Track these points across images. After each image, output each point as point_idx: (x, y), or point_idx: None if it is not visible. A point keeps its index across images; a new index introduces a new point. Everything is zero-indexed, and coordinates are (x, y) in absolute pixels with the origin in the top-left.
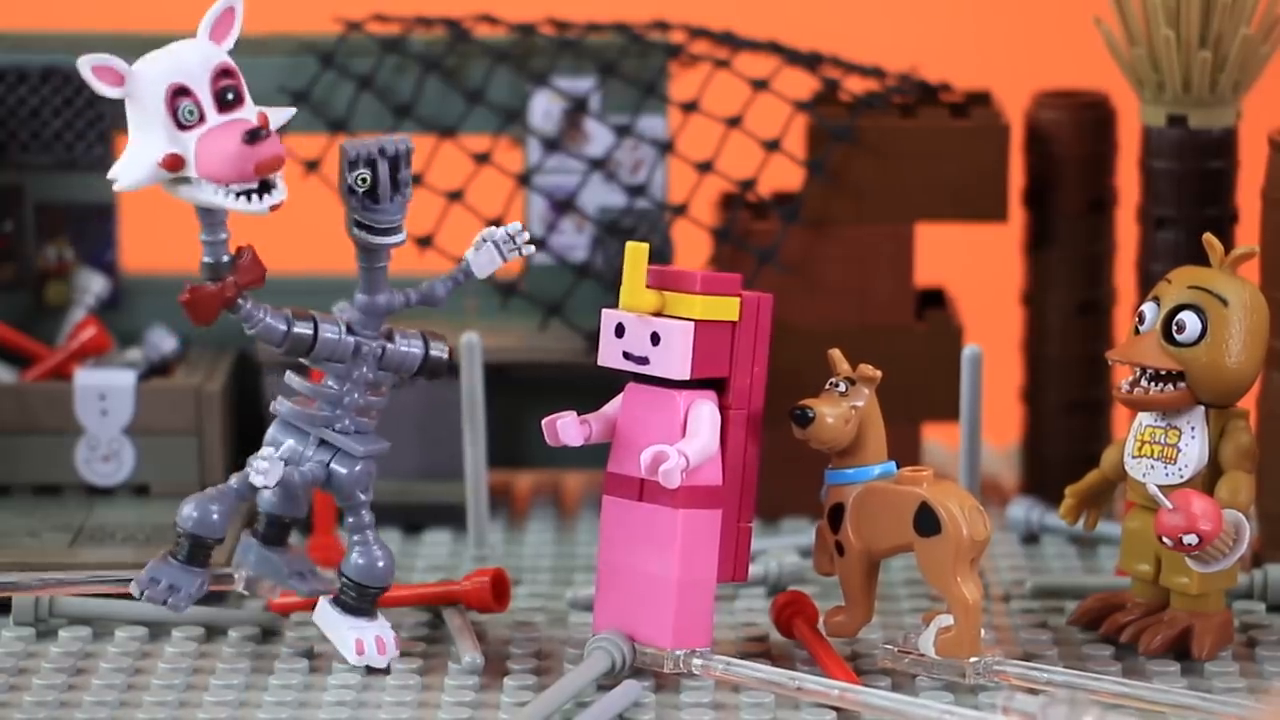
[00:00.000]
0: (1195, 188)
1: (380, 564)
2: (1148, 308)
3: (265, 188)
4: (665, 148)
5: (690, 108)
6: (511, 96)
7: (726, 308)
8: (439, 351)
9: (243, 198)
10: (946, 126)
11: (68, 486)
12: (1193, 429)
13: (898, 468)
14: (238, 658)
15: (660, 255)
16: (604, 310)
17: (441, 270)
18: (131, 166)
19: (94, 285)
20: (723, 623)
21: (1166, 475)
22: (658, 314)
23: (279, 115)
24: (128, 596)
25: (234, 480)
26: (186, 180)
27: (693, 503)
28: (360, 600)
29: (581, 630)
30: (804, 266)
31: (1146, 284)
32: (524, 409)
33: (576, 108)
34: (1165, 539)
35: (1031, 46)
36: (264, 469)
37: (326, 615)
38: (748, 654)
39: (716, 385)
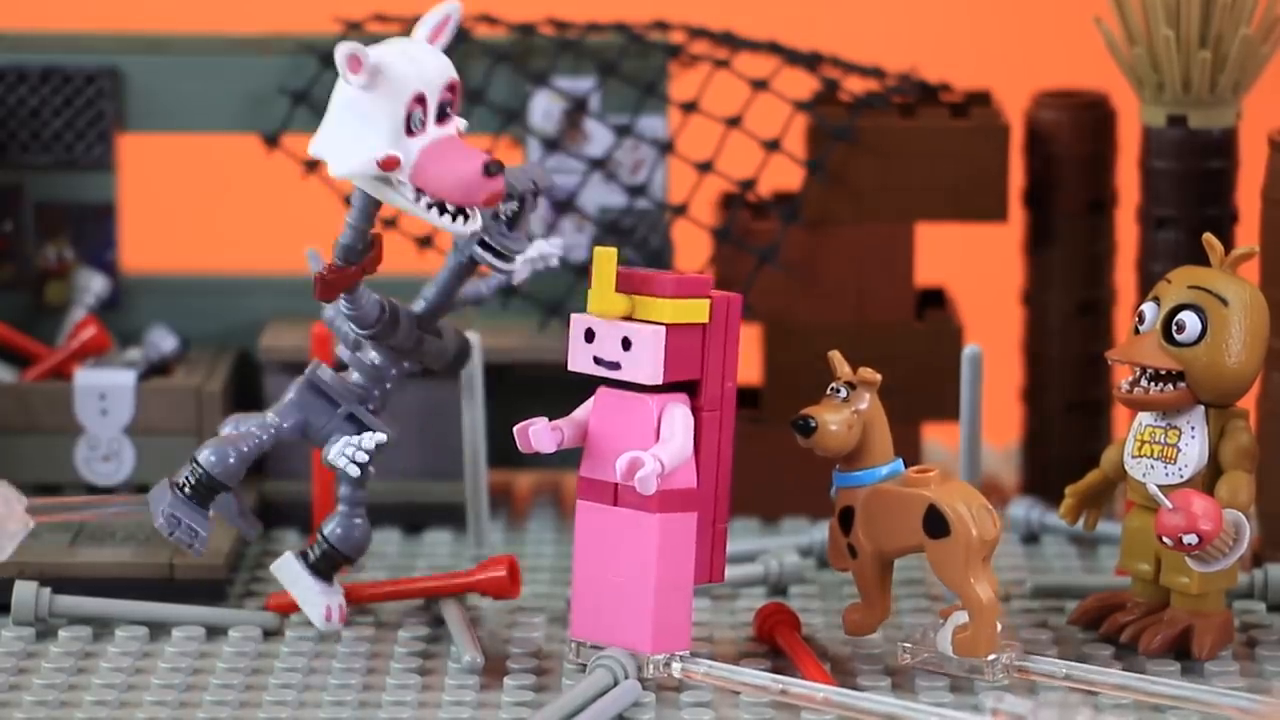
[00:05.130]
0: (1195, 188)
1: (356, 534)
2: (1148, 308)
3: (461, 210)
4: (665, 148)
5: (690, 108)
6: (511, 96)
7: (696, 310)
8: (463, 345)
9: (445, 215)
10: (946, 126)
11: (68, 486)
12: (1193, 429)
13: (905, 466)
14: (238, 658)
15: (660, 255)
16: (573, 315)
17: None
18: (349, 155)
19: (94, 285)
20: (722, 623)
21: (1166, 475)
22: (628, 318)
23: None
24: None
25: (260, 424)
26: (387, 181)
27: (669, 507)
28: (327, 565)
29: None
30: (804, 266)
31: (1146, 284)
32: (524, 409)
33: (576, 108)
34: (1165, 539)
35: (1031, 46)
36: (367, 449)
37: (291, 570)
38: (748, 654)
39: (688, 387)
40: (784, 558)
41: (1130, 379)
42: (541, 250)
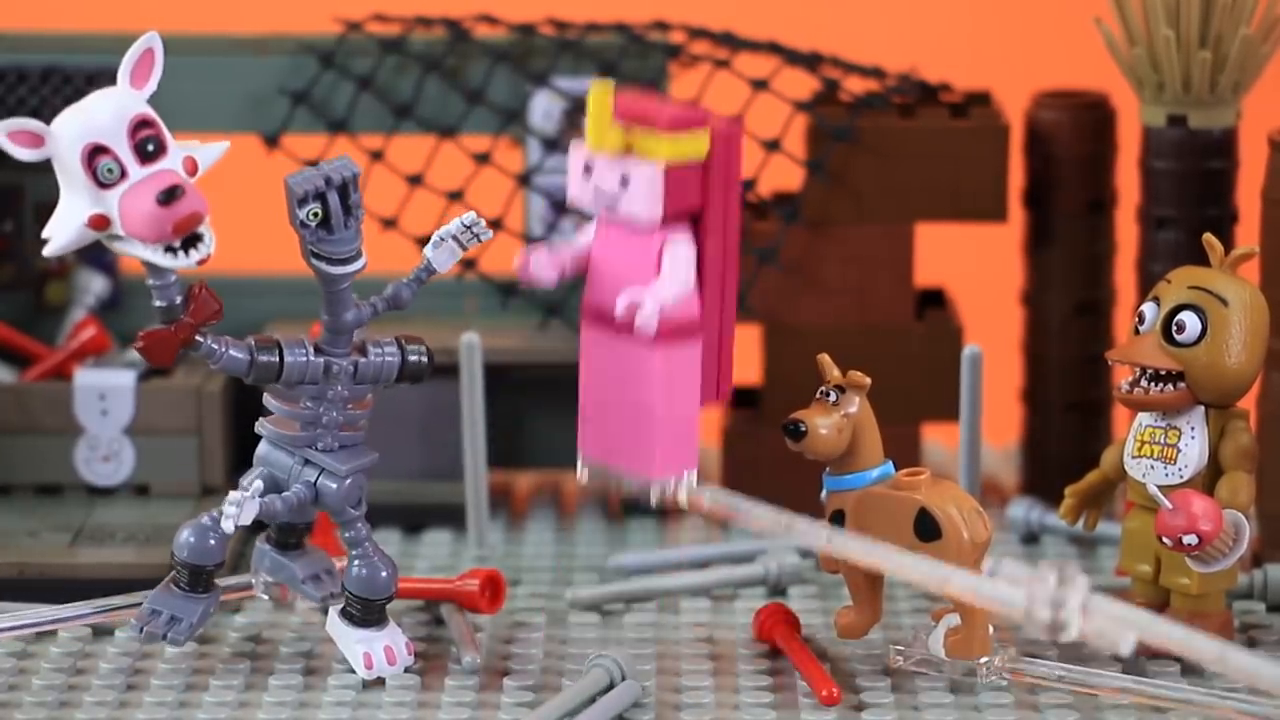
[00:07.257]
0: (1195, 188)
1: (382, 574)
2: (1148, 308)
3: (194, 240)
4: None
5: None
6: (511, 96)
7: (695, 144)
8: (416, 355)
9: (170, 253)
10: (946, 126)
11: (68, 486)
12: (1192, 429)
13: (895, 468)
14: (237, 658)
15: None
16: (573, 143)
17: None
18: (60, 228)
19: (94, 285)
20: (722, 623)
21: (1166, 475)
22: (626, 153)
23: (209, 154)
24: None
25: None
26: (119, 236)
27: (671, 338)
28: (366, 613)
29: (582, 630)
30: (804, 266)
31: (1146, 284)
32: (524, 409)
33: (576, 108)
34: (1165, 539)
35: (1031, 46)
36: (233, 514)
37: (336, 628)
38: (748, 653)
39: (691, 216)
40: (783, 558)
41: (1130, 379)
42: (450, 229)
